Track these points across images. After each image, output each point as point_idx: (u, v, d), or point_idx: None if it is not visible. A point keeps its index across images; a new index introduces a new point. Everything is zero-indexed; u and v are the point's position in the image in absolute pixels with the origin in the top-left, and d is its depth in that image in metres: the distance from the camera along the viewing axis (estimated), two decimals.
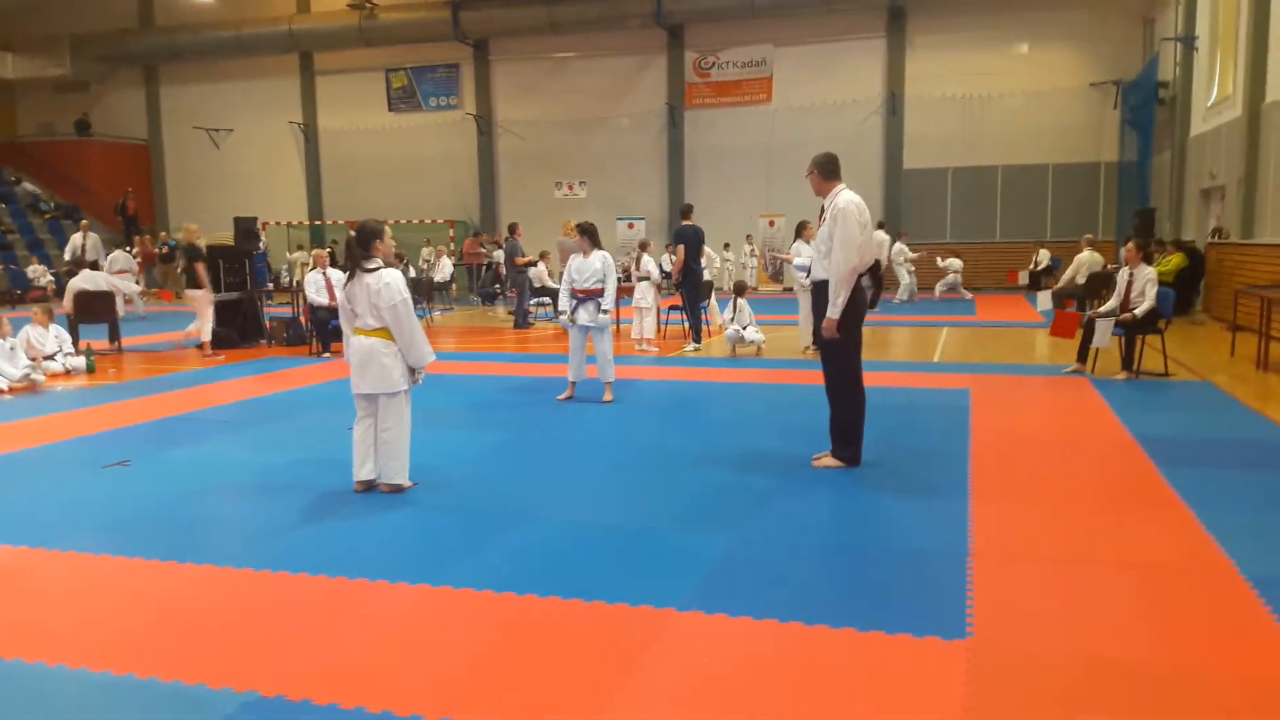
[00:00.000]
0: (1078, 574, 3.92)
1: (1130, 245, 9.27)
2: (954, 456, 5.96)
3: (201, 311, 11.91)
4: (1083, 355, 9.24)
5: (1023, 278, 20.00)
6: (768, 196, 23.54)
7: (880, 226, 12.27)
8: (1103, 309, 9.24)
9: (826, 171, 5.62)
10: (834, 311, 5.47)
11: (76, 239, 19.04)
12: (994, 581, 3.81)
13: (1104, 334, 8.88)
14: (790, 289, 12.10)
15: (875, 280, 5.90)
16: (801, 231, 10.97)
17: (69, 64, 27.63)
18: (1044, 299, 14.89)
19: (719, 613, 3.51)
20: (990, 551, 4.17)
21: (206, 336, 11.85)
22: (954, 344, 11.89)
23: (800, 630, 3.36)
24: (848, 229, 5.37)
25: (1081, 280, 14.02)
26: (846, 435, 5.72)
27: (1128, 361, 8.97)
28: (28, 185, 27.52)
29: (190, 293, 11.91)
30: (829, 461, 5.75)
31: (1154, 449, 6.02)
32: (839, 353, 5.63)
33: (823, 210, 5.59)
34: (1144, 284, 8.86)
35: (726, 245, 23.12)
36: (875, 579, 3.89)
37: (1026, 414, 7.44)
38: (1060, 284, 14.90)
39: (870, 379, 6.08)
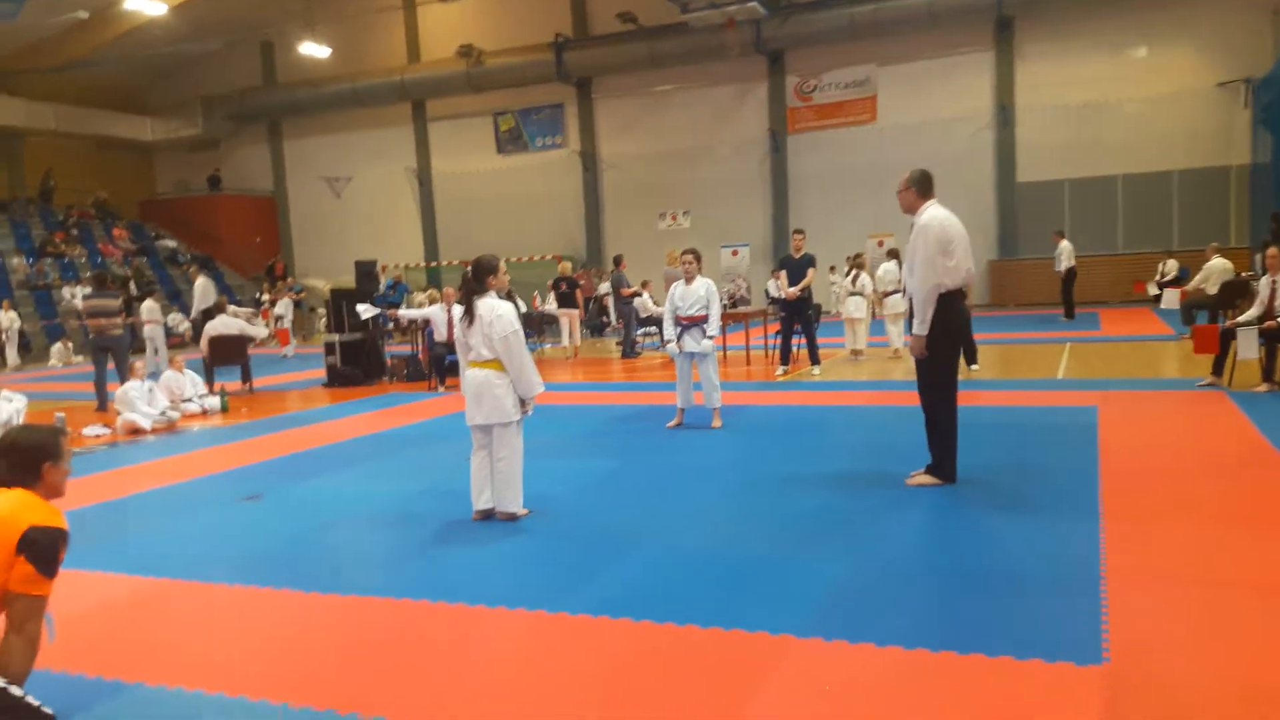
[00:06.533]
0: (1220, 597, 3.69)
1: (1272, 251, 8.75)
2: (1084, 475, 5.69)
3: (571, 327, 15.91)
4: (1218, 368, 8.73)
5: (1151, 289, 19.05)
6: (876, 217, 23.16)
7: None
8: (1242, 318, 8.74)
9: (923, 188, 5.56)
10: (920, 329, 5.43)
11: (196, 287, 20.06)
12: (1130, 605, 3.62)
13: (1249, 344, 8.39)
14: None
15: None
16: (897, 254, 10.90)
17: (201, 124, 29.52)
18: (1169, 297, 14.62)
19: (839, 639, 3.43)
20: (1125, 573, 3.96)
21: (576, 343, 15.98)
22: (1078, 360, 11.40)
23: (927, 657, 3.25)
24: (928, 247, 5.34)
25: (1212, 289, 13.30)
26: (942, 452, 5.61)
27: (1268, 372, 8.44)
28: (166, 241, 29.35)
29: (563, 311, 15.72)
30: (924, 479, 5.62)
31: None
32: (933, 369, 5.55)
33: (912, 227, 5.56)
34: None
35: (832, 268, 22.83)
36: (1003, 603, 3.74)
37: (1160, 430, 7.05)
38: (1188, 289, 14.28)
39: (993, 398, 5.90)
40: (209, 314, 13.87)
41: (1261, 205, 19.52)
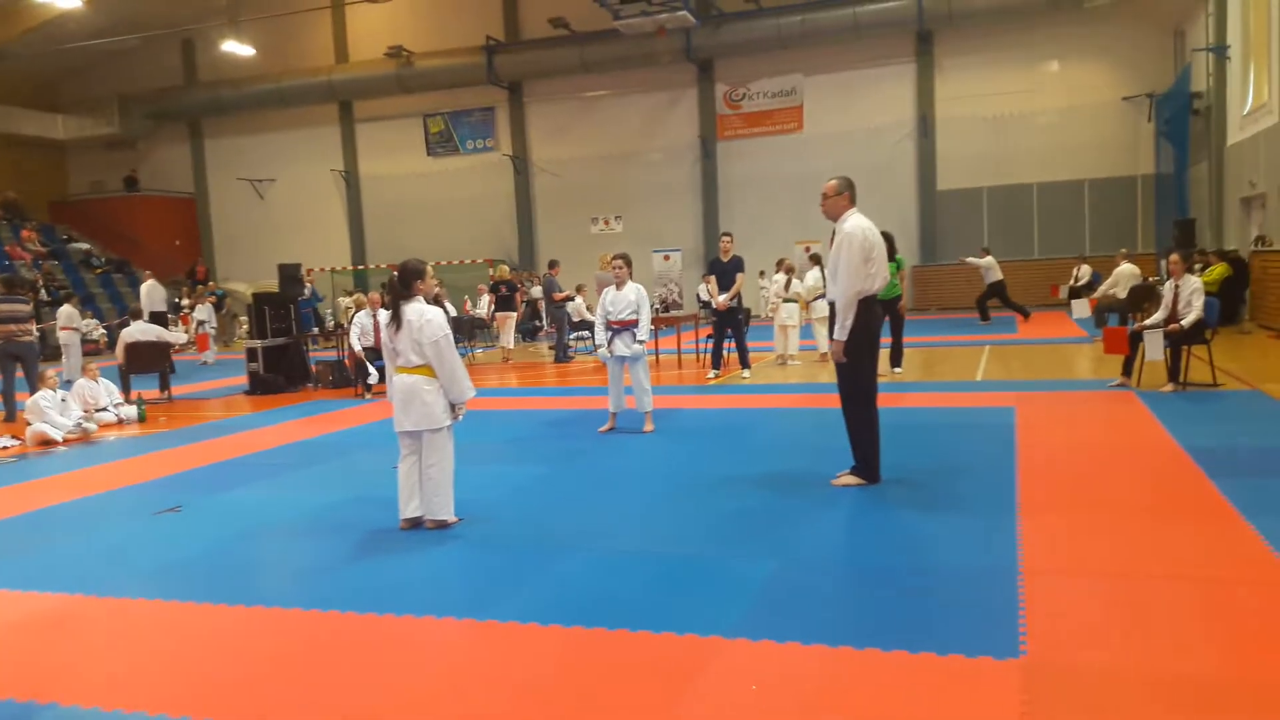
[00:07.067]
0: (1133, 588, 3.85)
1: (1174, 257, 9.15)
2: (1001, 473, 5.88)
3: (505, 330, 16.39)
4: (1128, 369, 9.10)
5: (1063, 292, 19.77)
6: (803, 223, 23.54)
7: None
8: (1149, 321, 9.11)
9: (852, 195, 5.68)
10: (841, 334, 5.54)
11: (143, 289, 19.42)
12: (1046, 598, 3.75)
13: (1155, 346, 8.74)
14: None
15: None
16: (820, 260, 11.13)
17: (117, 122, 28.55)
18: (1078, 306, 15.14)
19: (766, 639, 3.48)
20: (1041, 568, 4.10)
21: (509, 345, 16.40)
22: (996, 362, 11.75)
23: (850, 655, 3.32)
24: (852, 254, 5.43)
25: (1122, 294, 13.89)
26: (864, 453, 5.73)
27: (1174, 373, 8.81)
28: (79, 244, 28.25)
29: (501, 314, 16.29)
30: (848, 479, 5.74)
31: (1205, 460, 5.89)
32: (853, 372, 5.66)
33: (834, 234, 5.64)
34: (1190, 294, 8.75)
35: (762, 273, 23.13)
36: (924, 599, 3.84)
37: (1073, 429, 7.31)
38: (1099, 294, 14.89)
39: (914, 399, 6.04)
40: (143, 318, 13.39)
41: (1165, 213, 20.42)
